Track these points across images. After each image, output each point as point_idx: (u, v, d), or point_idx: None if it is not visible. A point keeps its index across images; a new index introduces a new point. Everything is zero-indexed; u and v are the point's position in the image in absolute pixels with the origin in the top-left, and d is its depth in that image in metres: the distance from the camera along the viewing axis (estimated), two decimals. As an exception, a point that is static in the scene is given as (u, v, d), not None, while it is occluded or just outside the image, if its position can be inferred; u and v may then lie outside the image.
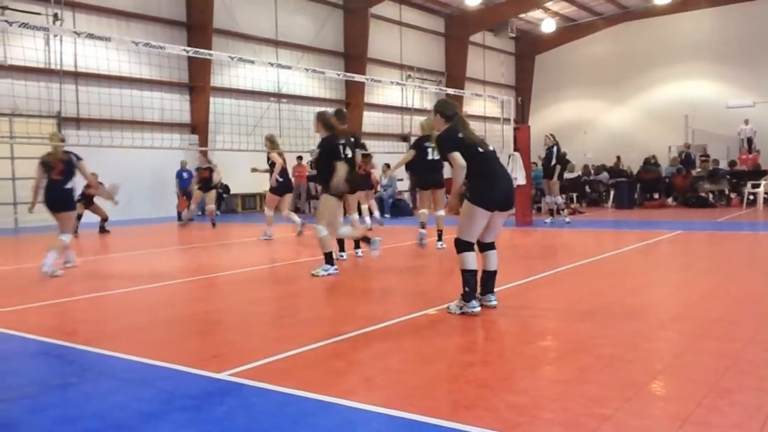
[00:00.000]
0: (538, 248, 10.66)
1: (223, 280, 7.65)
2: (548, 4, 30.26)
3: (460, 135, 5.34)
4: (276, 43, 23.84)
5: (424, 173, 10.02)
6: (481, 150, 5.35)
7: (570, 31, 33.37)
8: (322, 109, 9.49)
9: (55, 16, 17.62)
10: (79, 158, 8.33)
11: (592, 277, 7.48)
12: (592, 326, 4.87)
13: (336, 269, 7.72)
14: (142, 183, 19.77)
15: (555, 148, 14.25)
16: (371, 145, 25.71)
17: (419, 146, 9.80)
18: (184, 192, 19.39)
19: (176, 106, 20.06)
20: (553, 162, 14.29)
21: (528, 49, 35.48)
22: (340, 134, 7.92)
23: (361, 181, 11.31)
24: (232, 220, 18.96)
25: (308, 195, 22.11)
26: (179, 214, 19.40)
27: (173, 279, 7.84)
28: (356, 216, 10.37)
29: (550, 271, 7.65)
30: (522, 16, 31.43)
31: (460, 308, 5.29)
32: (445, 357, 4.17)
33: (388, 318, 5.20)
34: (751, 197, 18.28)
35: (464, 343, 4.51)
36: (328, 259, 7.73)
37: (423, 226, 9.86)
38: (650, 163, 21.36)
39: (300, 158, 21.51)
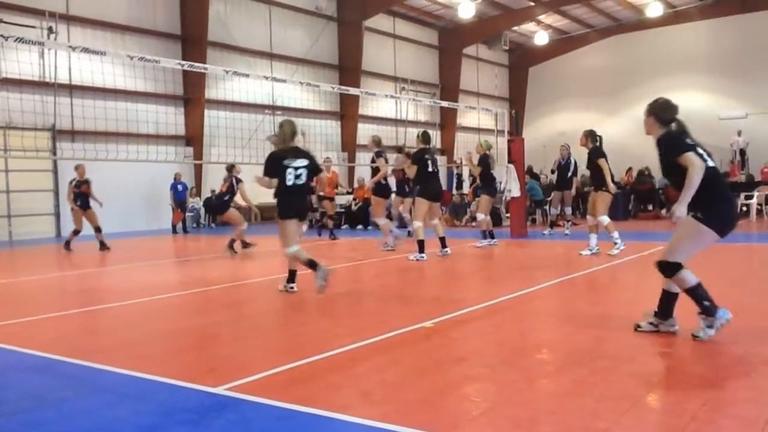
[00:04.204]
0: (533, 260, 10.69)
1: (219, 293, 7.64)
2: (541, 17, 30.44)
3: (689, 141, 4.60)
4: (270, 56, 23.91)
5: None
6: (712, 163, 4.59)
7: (563, 43, 33.56)
8: (317, 121, 9.85)
9: (50, 29, 17.64)
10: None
11: (588, 289, 7.51)
12: (588, 338, 4.89)
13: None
14: (137, 195, 19.76)
15: (573, 160, 14.14)
16: (366, 157, 25.83)
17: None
18: (179, 204, 19.40)
19: (171, 119, 20.06)
20: (570, 174, 14.06)
21: (521, 61, 35.66)
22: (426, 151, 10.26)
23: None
24: (224, 232, 18.91)
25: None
26: (174, 226, 19.39)
27: (168, 292, 7.83)
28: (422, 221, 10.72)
29: (546, 282, 7.66)
30: (515, 28, 31.60)
31: (712, 326, 4.54)
32: (443, 370, 4.17)
33: (384, 331, 5.20)
34: (744, 208, 18.36)
35: (461, 356, 4.51)
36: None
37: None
38: (644, 175, 21.44)
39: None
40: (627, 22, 31.49)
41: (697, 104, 28.94)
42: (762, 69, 28.06)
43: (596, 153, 10.08)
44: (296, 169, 7.05)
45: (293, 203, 7.20)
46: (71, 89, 18.34)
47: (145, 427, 3.31)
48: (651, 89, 30.54)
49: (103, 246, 13.51)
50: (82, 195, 13.48)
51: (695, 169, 4.37)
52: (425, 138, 10.70)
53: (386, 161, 12.17)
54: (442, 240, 10.64)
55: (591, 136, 10.27)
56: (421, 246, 10.16)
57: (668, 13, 29.41)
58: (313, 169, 7.24)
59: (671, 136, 4.66)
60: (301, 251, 7.08)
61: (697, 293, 4.55)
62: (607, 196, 10.06)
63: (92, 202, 13.58)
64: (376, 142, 12.20)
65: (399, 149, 12.63)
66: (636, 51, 31.44)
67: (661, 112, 4.77)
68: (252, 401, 3.61)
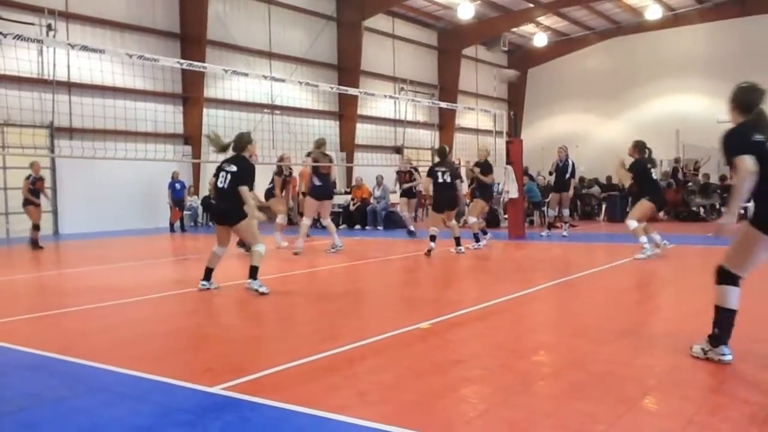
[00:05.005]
0: (531, 262, 10.71)
1: (215, 292, 7.63)
2: (540, 19, 30.43)
3: (757, 138, 4.00)
4: (270, 55, 23.88)
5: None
6: None
7: (562, 45, 33.57)
8: (316, 120, 9.95)
9: (49, 26, 17.60)
10: None
11: (585, 292, 7.51)
12: (584, 341, 4.90)
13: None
14: (135, 194, 19.72)
15: (571, 162, 14.14)
16: (364, 157, 25.88)
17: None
18: (176, 203, 19.39)
19: (169, 118, 20.02)
20: (568, 175, 14.05)
21: (520, 62, 35.62)
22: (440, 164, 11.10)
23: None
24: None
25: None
26: (171, 225, 19.36)
27: (165, 291, 7.82)
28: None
29: (543, 284, 7.68)
30: (514, 30, 31.59)
31: (705, 352, 4.24)
32: (439, 372, 4.18)
33: (381, 332, 5.20)
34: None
35: (458, 358, 4.52)
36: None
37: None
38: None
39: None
40: (626, 24, 31.51)
41: (695, 107, 28.99)
42: (760, 72, 27.77)
43: (637, 166, 10.09)
44: (226, 173, 7.42)
45: (217, 206, 7.87)
46: (70, 87, 18.29)
47: (142, 427, 3.31)
48: (650, 92, 30.69)
49: (34, 244, 13.83)
50: (36, 192, 13.95)
51: (741, 177, 3.91)
52: (440, 153, 11.64)
53: (313, 161, 12.09)
54: (457, 239, 11.10)
55: (639, 148, 10.36)
56: (432, 238, 10.84)
57: (667, 16, 29.43)
58: (236, 177, 7.37)
59: (732, 132, 4.12)
60: (216, 257, 7.80)
61: (722, 317, 4.20)
62: (647, 205, 10.03)
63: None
64: (317, 144, 12.19)
65: (398, 150, 12.69)
66: (635, 54, 31.45)
67: (741, 100, 4.21)
68: (249, 401, 3.61)
